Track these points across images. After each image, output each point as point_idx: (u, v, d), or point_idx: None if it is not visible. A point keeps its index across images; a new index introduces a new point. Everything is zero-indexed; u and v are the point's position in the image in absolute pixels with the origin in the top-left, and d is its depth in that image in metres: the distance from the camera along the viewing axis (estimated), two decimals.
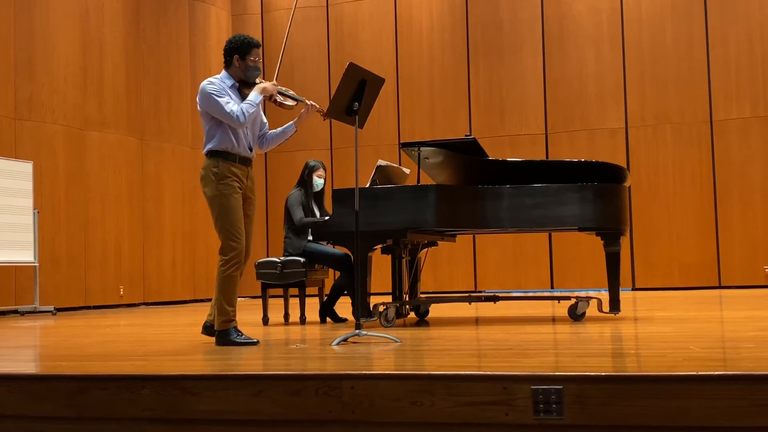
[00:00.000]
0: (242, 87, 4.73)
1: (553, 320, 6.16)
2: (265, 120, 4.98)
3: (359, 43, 12.96)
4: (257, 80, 4.77)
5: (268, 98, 4.74)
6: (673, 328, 5.03)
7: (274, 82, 4.81)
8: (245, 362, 3.92)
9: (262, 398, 3.12)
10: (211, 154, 4.62)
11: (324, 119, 4.92)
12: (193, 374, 3.36)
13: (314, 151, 12.70)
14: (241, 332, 4.62)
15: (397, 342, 4.45)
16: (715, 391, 2.74)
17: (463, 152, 5.96)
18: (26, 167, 9.70)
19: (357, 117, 4.71)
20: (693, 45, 11.50)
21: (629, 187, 6.40)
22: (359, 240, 4.76)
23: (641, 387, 2.81)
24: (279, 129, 4.95)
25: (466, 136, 5.94)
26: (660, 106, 11.59)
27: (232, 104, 4.57)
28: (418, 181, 6.03)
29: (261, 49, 4.80)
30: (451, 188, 5.94)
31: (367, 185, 5.85)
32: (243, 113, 4.55)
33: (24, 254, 9.58)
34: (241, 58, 4.70)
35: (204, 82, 4.67)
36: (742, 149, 11.21)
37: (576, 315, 5.86)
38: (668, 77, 11.57)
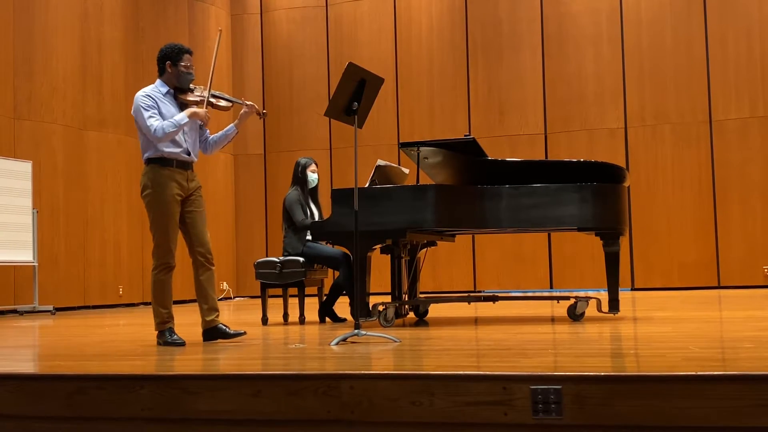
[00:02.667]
0: (177, 93, 4.85)
1: (552, 320, 6.16)
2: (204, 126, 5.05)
3: (358, 42, 12.96)
4: (191, 85, 4.87)
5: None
6: (672, 328, 5.03)
7: (206, 95, 4.84)
8: (244, 362, 3.92)
9: (260, 398, 3.12)
10: (148, 161, 4.77)
11: (261, 119, 5.10)
12: (192, 374, 3.36)
13: (313, 150, 12.70)
14: (173, 333, 4.73)
15: (396, 342, 4.45)
16: (714, 391, 2.74)
17: (463, 152, 5.96)
18: (25, 167, 9.69)
19: (356, 117, 4.71)
20: (692, 45, 11.50)
21: (628, 187, 6.41)
22: (358, 240, 4.76)
23: (640, 387, 2.81)
24: (220, 132, 5.05)
25: (465, 136, 5.94)
26: (659, 106, 11.59)
27: (154, 119, 4.69)
28: (418, 181, 6.02)
29: (192, 56, 4.90)
30: (451, 188, 5.94)
31: (366, 185, 5.85)
32: (162, 130, 4.66)
33: (23, 254, 9.57)
34: (173, 64, 4.81)
35: (138, 93, 4.81)
36: (741, 149, 11.21)
37: (575, 315, 5.86)
38: (667, 77, 11.58)
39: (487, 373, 2.99)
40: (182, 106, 4.85)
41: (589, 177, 5.85)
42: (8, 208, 9.42)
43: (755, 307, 7.07)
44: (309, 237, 6.49)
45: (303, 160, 6.79)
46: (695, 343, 4.00)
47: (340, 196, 5.71)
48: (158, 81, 4.86)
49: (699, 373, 2.80)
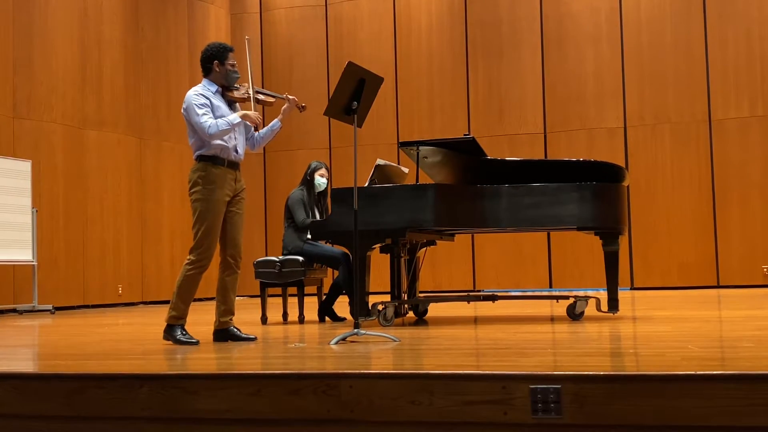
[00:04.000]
0: (224, 91, 4.91)
1: (552, 320, 6.17)
2: (249, 124, 5.04)
3: (358, 42, 12.95)
4: (236, 84, 4.94)
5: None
6: (672, 328, 5.04)
7: (252, 92, 4.90)
8: (244, 361, 3.92)
9: (260, 397, 3.12)
10: (200, 158, 4.77)
11: (301, 112, 5.12)
12: (192, 373, 3.36)
13: (313, 150, 12.71)
14: (186, 332, 4.74)
15: (395, 341, 4.45)
16: (713, 391, 2.74)
17: (462, 151, 5.96)
18: (25, 166, 9.69)
19: (356, 116, 4.72)
20: (692, 44, 11.51)
21: (628, 186, 6.41)
22: (358, 239, 4.76)
23: (640, 386, 2.81)
24: (266, 128, 5.11)
25: (464, 135, 5.94)
26: (659, 105, 11.59)
27: (208, 117, 4.72)
28: (417, 180, 6.03)
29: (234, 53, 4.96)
30: (450, 187, 5.94)
31: (366, 184, 5.85)
32: (217, 127, 4.69)
33: (22, 253, 9.57)
34: (221, 63, 4.86)
35: (190, 92, 4.83)
36: (740, 149, 11.21)
37: (574, 314, 5.86)
38: (667, 77, 11.57)
39: (487, 372, 2.99)
40: (230, 103, 4.91)
41: (588, 176, 5.85)
42: (8, 207, 9.42)
43: (755, 306, 7.07)
44: (309, 236, 6.49)
45: (314, 164, 6.82)
46: (694, 343, 4.00)
47: (340, 196, 5.71)
48: (205, 80, 4.89)
49: (698, 372, 2.80)
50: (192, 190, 4.76)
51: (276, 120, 5.06)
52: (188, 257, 4.75)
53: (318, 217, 6.66)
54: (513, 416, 2.87)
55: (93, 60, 11.01)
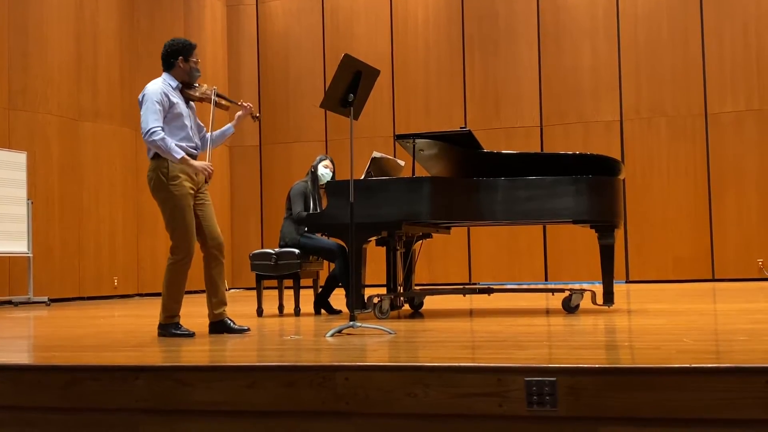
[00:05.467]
0: (184, 88, 4.84)
1: (547, 312, 6.17)
2: (201, 124, 5.06)
3: (354, 34, 12.93)
4: (197, 83, 4.90)
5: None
6: (667, 321, 5.05)
7: (212, 95, 4.86)
8: (239, 353, 3.92)
9: (256, 389, 3.12)
10: (157, 156, 4.66)
11: (254, 121, 5.13)
12: (187, 365, 3.36)
13: (309, 142, 12.70)
14: (180, 326, 4.72)
15: (391, 334, 4.46)
16: (708, 383, 2.75)
17: (458, 144, 5.95)
18: (20, 158, 9.67)
19: (352, 108, 4.71)
20: (688, 38, 11.50)
21: (624, 179, 6.41)
22: (354, 232, 4.76)
23: (635, 379, 2.82)
24: (218, 131, 5.02)
25: (461, 128, 5.94)
26: (655, 99, 11.60)
27: (155, 117, 4.57)
28: (413, 173, 6.02)
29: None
30: (446, 180, 5.94)
31: (362, 177, 5.85)
32: (158, 138, 4.53)
33: (18, 245, 9.56)
34: (185, 59, 4.80)
35: (151, 87, 4.70)
36: (736, 142, 11.23)
37: (570, 307, 5.87)
38: (663, 70, 11.58)
39: (482, 364, 3.00)
40: (187, 101, 4.86)
41: (584, 170, 5.86)
42: (3, 199, 9.40)
43: (749, 299, 7.09)
44: (306, 229, 6.48)
45: (320, 156, 6.83)
46: (689, 336, 4.01)
47: (336, 188, 5.71)
48: (166, 74, 4.80)
49: (693, 365, 2.81)
50: (156, 191, 4.67)
51: (229, 125, 5.00)
52: (170, 257, 4.72)
53: (318, 207, 6.66)
54: (508, 409, 2.87)
55: (88, 52, 10.98)
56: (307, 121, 12.93)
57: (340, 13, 13.08)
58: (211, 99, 4.86)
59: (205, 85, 4.96)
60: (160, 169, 4.64)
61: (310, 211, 6.49)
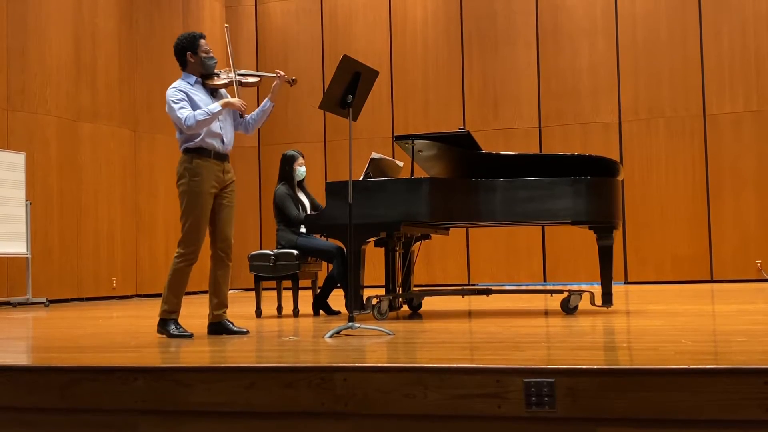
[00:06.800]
0: (204, 80, 4.82)
1: (546, 313, 6.18)
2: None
3: (353, 35, 12.93)
4: (215, 69, 4.84)
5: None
6: (665, 322, 5.05)
7: (233, 76, 4.82)
8: (238, 354, 3.92)
9: (255, 390, 3.13)
10: (186, 151, 4.72)
11: (291, 86, 5.02)
12: (186, 366, 3.36)
13: (308, 143, 12.69)
14: (179, 325, 4.72)
15: (389, 335, 4.46)
16: (706, 385, 2.75)
17: (457, 145, 5.96)
18: (19, 158, 9.66)
19: (351, 109, 4.71)
20: (686, 39, 11.51)
21: (622, 180, 6.42)
22: (352, 233, 4.77)
23: (633, 380, 2.82)
24: (257, 110, 5.00)
25: (459, 129, 5.94)
26: (653, 99, 11.61)
27: (185, 110, 4.65)
28: (412, 174, 6.03)
29: (206, 39, 4.88)
30: (445, 181, 5.94)
31: (361, 178, 5.85)
32: (194, 118, 4.61)
33: (16, 246, 9.55)
34: (194, 53, 4.79)
35: (168, 89, 4.77)
36: (734, 143, 11.24)
37: (568, 308, 5.87)
38: (662, 71, 11.59)
39: (481, 366, 3.00)
40: (213, 92, 4.83)
41: (583, 171, 5.86)
42: (1, 199, 9.39)
43: (747, 300, 7.10)
44: (303, 230, 6.48)
45: (289, 154, 6.76)
46: (688, 337, 4.01)
47: (335, 189, 5.71)
48: (183, 74, 4.83)
49: (691, 366, 2.82)
50: (179, 183, 4.71)
51: (266, 99, 4.93)
52: (177, 250, 4.72)
53: (308, 204, 6.66)
54: (507, 410, 2.88)
55: (87, 52, 10.98)
56: (305, 122, 12.93)
57: (338, 13, 13.08)
58: (234, 82, 4.80)
59: (225, 70, 4.87)
60: (186, 164, 4.68)
61: (301, 212, 6.49)
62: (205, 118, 4.63)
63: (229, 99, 4.77)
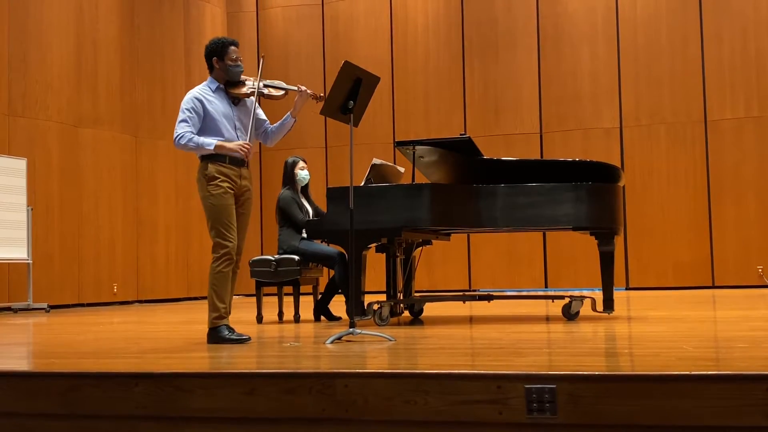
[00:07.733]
0: (228, 88, 4.78)
1: (547, 319, 6.17)
2: (263, 117, 5.03)
3: (354, 41, 12.95)
4: (241, 77, 4.81)
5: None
6: (667, 328, 5.04)
7: (257, 86, 4.79)
8: (239, 360, 3.92)
9: (255, 396, 3.12)
10: (203, 158, 4.72)
11: (317, 102, 4.91)
12: (187, 372, 3.35)
13: (309, 149, 12.69)
14: (233, 329, 4.64)
15: (391, 341, 4.45)
16: (707, 391, 2.74)
17: (458, 151, 5.96)
18: (20, 164, 9.67)
19: (352, 115, 4.72)
20: (687, 44, 11.52)
21: (623, 186, 6.41)
22: (354, 238, 4.76)
23: (634, 386, 2.81)
24: (278, 123, 5.00)
25: (460, 134, 5.94)
26: (654, 105, 11.61)
27: (186, 125, 4.65)
28: (413, 179, 6.03)
29: (238, 47, 4.84)
30: (446, 187, 5.94)
31: (362, 184, 5.86)
32: (184, 141, 4.62)
33: (17, 251, 9.56)
34: (220, 59, 4.76)
35: (187, 93, 4.76)
36: (736, 149, 11.23)
37: (570, 314, 5.86)
38: (663, 77, 11.59)
39: (482, 372, 2.99)
40: (234, 100, 4.80)
41: (584, 176, 5.86)
42: (3, 205, 9.40)
43: (749, 306, 7.09)
44: (304, 235, 6.49)
45: (290, 160, 6.80)
46: (689, 343, 4.01)
47: (336, 195, 5.70)
48: (208, 78, 4.81)
49: (693, 372, 2.81)
50: (199, 191, 4.70)
51: (287, 114, 4.92)
52: (212, 257, 4.64)
53: (310, 210, 6.67)
54: (508, 416, 2.87)
55: (88, 58, 10.99)
56: (306, 128, 12.93)
57: (340, 19, 13.10)
58: (256, 93, 4.76)
59: (252, 79, 4.82)
60: (202, 171, 4.67)
61: (307, 216, 6.51)
62: (193, 148, 4.63)
63: (227, 145, 4.65)
